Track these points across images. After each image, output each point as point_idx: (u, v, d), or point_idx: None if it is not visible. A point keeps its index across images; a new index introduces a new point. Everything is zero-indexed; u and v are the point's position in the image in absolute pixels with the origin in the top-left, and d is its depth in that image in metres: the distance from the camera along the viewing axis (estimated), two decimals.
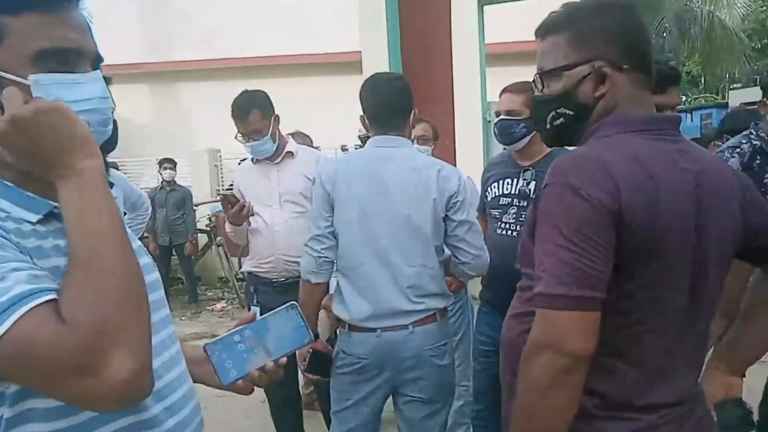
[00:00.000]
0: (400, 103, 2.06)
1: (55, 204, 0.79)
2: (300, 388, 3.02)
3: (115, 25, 9.68)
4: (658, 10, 12.12)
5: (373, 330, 1.97)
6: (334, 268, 2.08)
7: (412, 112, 2.10)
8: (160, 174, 6.94)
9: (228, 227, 2.78)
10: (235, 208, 2.61)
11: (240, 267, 5.82)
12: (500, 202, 2.41)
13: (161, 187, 6.87)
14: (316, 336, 2.05)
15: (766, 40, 17.27)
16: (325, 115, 8.38)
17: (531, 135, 2.31)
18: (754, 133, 2.12)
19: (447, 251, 2.09)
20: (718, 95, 17.60)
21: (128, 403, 0.73)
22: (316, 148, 3.73)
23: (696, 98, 18.24)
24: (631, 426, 1.06)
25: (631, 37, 1.11)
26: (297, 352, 1.91)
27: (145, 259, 0.96)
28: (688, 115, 13.04)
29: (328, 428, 2.40)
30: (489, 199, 2.47)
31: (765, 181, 2.05)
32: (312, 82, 9.59)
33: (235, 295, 7.18)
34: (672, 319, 1.06)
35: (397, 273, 1.96)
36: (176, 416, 0.91)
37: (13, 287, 0.68)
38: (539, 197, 1.05)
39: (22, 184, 0.82)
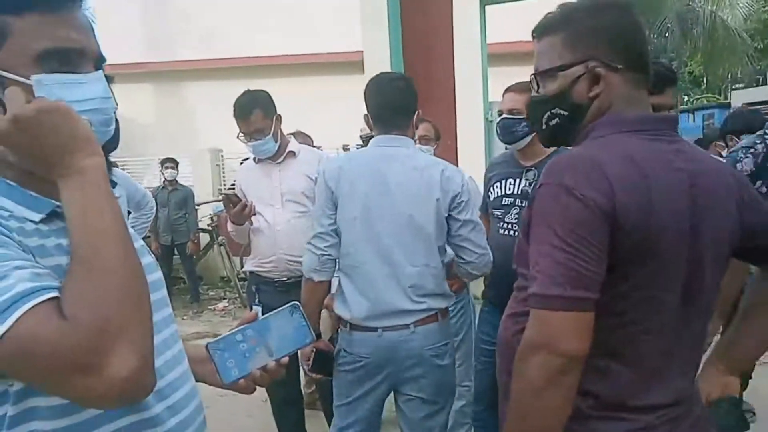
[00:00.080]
0: (403, 103, 2.07)
1: (58, 203, 0.79)
2: (302, 388, 3.02)
3: (118, 24, 9.69)
4: (660, 10, 12.10)
5: (374, 329, 1.98)
6: (337, 267, 2.08)
7: (416, 112, 2.11)
8: (162, 173, 6.95)
9: (230, 227, 2.79)
10: (237, 208, 2.61)
11: (242, 266, 5.83)
12: (503, 202, 2.41)
13: (163, 187, 6.87)
14: (319, 335, 2.05)
15: None
16: (327, 114, 8.39)
17: (533, 134, 2.31)
18: None
19: (450, 252, 2.09)
20: (720, 95, 17.59)
21: (129, 401, 0.73)
22: (318, 147, 3.73)
23: (698, 98, 18.22)
24: (626, 426, 1.05)
25: (628, 37, 1.11)
26: (300, 351, 1.91)
27: (148, 259, 0.96)
28: (691, 116, 13.03)
29: (330, 427, 2.40)
30: (491, 199, 2.47)
31: None
32: (314, 82, 9.60)
33: (237, 295, 7.19)
34: (667, 319, 1.06)
35: (399, 272, 1.96)
36: (178, 415, 0.91)
37: (16, 285, 0.68)
38: (534, 197, 1.06)
39: (25, 183, 0.82)
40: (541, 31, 1.16)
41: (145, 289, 0.76)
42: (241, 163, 3.48)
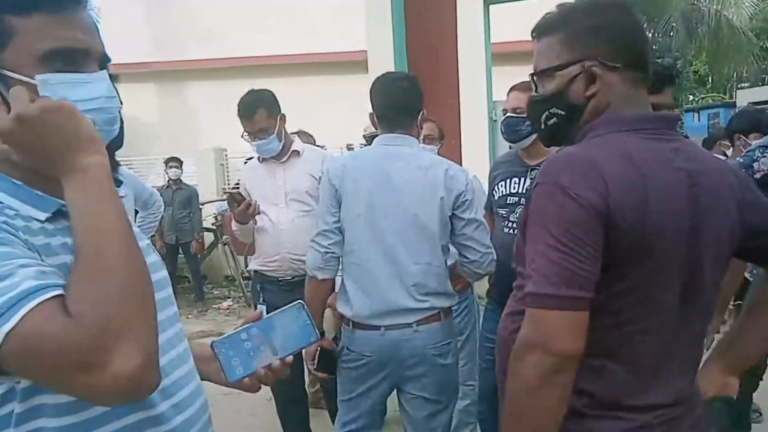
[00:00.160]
0: (408, 103, 2.07)
1: (63, 202, 0.80)
2: (306, 387, 3.03)
3: (122, 24, 9.72)
4: (665, 9, 12.06)
5: (377, 328, 1.98)
6: (340, 265, 2.08)
7: (421, 111, 2.11)
8: (166, 173, 6.97)
9: (234, 226, 2.79)
10: (241, 207, 2.62)
11: (246, 266, 5.84)
12: (507, 201, 2.41)
13: (167, 186, 6.89)
14: (322, 334, 2.06)
15: None
16: (331, 114, 8.39)
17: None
18: None
19: (453, 251, 2.09)
20: (725, 95, 17.52)
21: (134, 398, 0.74)
22: (322, 147, 3.73)
23: (703, 98, 18.15)
24: (622, 425, 1.05)
25: (627, 36, 1.11)
26: (304, 351, 1.92)
27: (153, 257, 0.96)
28: (696, 115, 12.98)
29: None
30: (496, 198, 2.47)
31: None
32: (317, 81, 9.60)
33: (242, 294, 7.20)
34: (666, 319, 1.06)
35: (402, 270, 1.96)
36: (184, 413, 0.91)
37: (21, 283, 0.69)
38: (530, 196, 1.06)
39: (31, 182, 0.83)
40: (539, 31, 1.17)
41: (150, 287, 0.76)
42: (245, 163, 3.49)
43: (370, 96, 2.11)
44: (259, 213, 2.69)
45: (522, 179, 2.38)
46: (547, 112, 1.17)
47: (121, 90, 0.91)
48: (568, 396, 1.01)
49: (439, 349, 2.00)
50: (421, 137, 2.86)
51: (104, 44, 0.87)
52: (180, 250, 7.00)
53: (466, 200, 2.00)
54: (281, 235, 2.67)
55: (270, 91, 2.71)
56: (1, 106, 0.76)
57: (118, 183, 0.87)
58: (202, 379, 1.01)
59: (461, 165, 3.40)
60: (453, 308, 2.14)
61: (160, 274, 0.96)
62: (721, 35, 12.50)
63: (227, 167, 9.00)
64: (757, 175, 2.23)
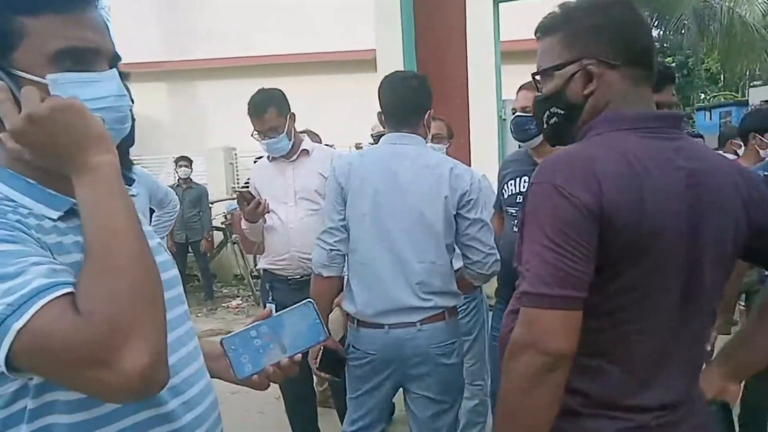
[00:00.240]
0: (416, 102, 2.07)
1: (76, 201, 0.80)
2: (314, 385, 3.03)
3: (133, 23, 9.78)
4: (676, 7, 11.95)
5: (381, 326, 1.99)
6: (346, 263, 2.09)
7: (428, 111, 2.10)
8: (176, 172, 7.01)
9: (244, 224, 2.80)
10: (251, 205, 2.63)
11: (255, 264, 5.85)
12: (517, 200, 2.40)
13: (177, 185, 6.93)
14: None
15: None
16: (340, 113, 8.40)
17: None
18: None
19: (457, 252, 2.08)
20: (737, 93, 17.35)
21: (143, 395, 0.74)
22: (330, 146, 3.74)
23: (715, 96, 18.00)
24: (618, 425, 1.04)
25: (628, 33, 1.10)
26: (309, 350, 1.92)
27: (164, 256, 0.97)
28: (707, 113, 12.87)
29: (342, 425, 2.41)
30: (505, 196, 2.47)
31: None
32: (327, 81, 9.61)
33: (251, 293, 7.23)
34: (664, 319, 1.05)
35: (407, 269, 1.96)
36: (194, 411, 0.92)
37: (33, 281, 0.69)
38: (527, 196, 1.06)
39: (44, 181, 0.84)
40: (542, 31, 1.17)
41: (159, 286, 0.77)
42: (255, 162, 3.50)
43: (378, 95, 2.11)
44: (268, 212, 2.69)
45: (531, 178, 2.37)
46: (548, 112, 1.17)
47: (131, 89, 0.91)
48: (561, 395, 1.01)
49: (443, 349, 1.99)
50: (430, 136, 2.86)
51: (114, 43, 0.88)
52: (190, 249, 7.04)
53: (471, 199, 1.99)
54: (290, 233, 2.68)
55: (280, 90, 2.72)
56: (14, 106, 0.77)
57: (130, 181, 0.87)
58: (212, 377, 1.01)
59: (470, 164, 3.39)
60: (461, 308, 2.13)
61: (171, 273, 0.97)
62: (734, 32, 12.37)
63: (237, 166, 9.03)
64: None
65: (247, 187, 2.95)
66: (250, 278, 7.10)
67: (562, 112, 1.15)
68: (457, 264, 2.11)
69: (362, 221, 2.00)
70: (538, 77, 1.19)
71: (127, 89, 0.89)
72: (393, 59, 3.90)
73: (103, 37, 0.85)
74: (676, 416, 1.07)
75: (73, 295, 0.71)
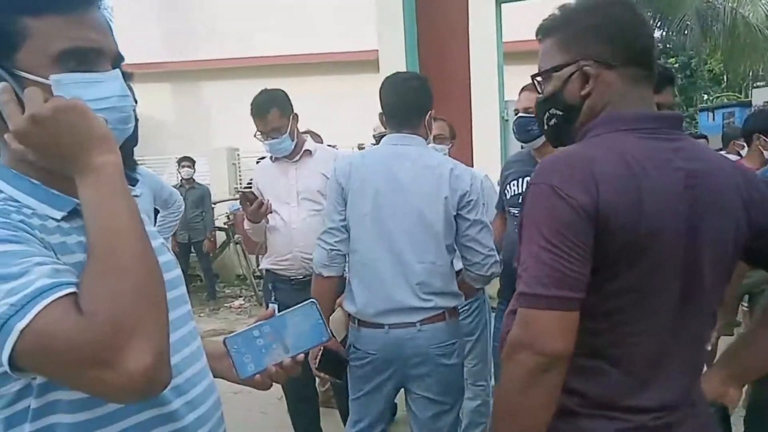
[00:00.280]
0: (416, 103, 2.08)
1: (79, 201, 0.81)
2: (317, 386, 3.04)
3: (136, 24, 9.79)
4: (679, 7, 11.92)
5: (382, 326, 1.99)
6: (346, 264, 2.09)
7: (429, 112, 2.10)
8: (179, 172, 7.02)
9: (246, 224, 2.81)
10: (253, 206, 2.64)
11: (258, 265, 5.86)
12: (519, 201, 2.40)
13: (180, 185, 6.94)
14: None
15: None
16: (342, 113, 8.41)
17: None
18: None
19: (458, 253, 2.08)
20: (740, 94, 17.30)
21: (145, 395, 0.74)
22: (333, 146, 3.74)
23: (718, 96, 17.95)
24: (616, 425, 1.04)
25: (627, 33, 1.10)
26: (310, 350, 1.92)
27: (167, 257, 0.97)
28: (710, 114, 12.84)
29: (345, 425, 2.41)
30: (508, 197, 2.47)
31: None
32: (329, 81, 9.62)
33: (253, 293, 7.24)
34: (663, 320, 1.04)
35: (407, 269, 1.97)
36: (197, 411, 0.92)
37: (36, 281, 0.69)
38: (525, 197, 1.06)
39: (48, 182, 0.84)
40: (542, 32, 1.18)
41: (162, 286, 0.77)
42: (258, 162, 3.50)
43: (379, 95, 2.11)
44: (271, 212, 2.70)
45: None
46: (547, 113, 1.18)
47: (134, 89, 0.91)
48: (557, 396, 1.01)
49: (443, 349, 1.99)
50: (431, 137, 2.86)
51: (117, 43, 0.88)
52: (192, 249, 7.05)
53: (471, 200, 1.99)
54: (293, 234, 2.68)
55: (283, 91, 2.72)
56: (17, 107, 0.77)
57: (133, 181, 0.87)
58: (215, 377, 1.01)
59: (473, 164, 3.39)
60: (464, 308, 2.13)
61: (174, 273, 0.97)
62: (737, 33, 12.34)
63: (239, 167, 9.04)
64: None
65: (250, 187, 2.96)
66: (253, 278, 7.11)
67: (561, 113, 1.16)
68: (459, 265, 2.11)
69: (363, 221, 2.00)
70: (538, 79, 1.20)
71: (131, 89, 0.89)
72: (395, 60, 3.90)
73: (106, 37, 0.85)
74: (676, 417, 1.07)
75: (76, 296, 0.71)
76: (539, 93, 1.22)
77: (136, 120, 0.91)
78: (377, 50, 4.99)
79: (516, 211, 2.42)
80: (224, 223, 7.62)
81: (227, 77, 10.09)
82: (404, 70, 3.26)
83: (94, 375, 0.69)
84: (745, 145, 3.70)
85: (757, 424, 2.52)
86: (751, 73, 15.60)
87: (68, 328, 0.68)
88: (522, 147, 2.54)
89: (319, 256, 2.06)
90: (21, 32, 0.79)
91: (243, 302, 7.20)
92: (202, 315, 6.61)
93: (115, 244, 0.74)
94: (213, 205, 7.36)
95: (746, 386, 1.61)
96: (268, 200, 2.68)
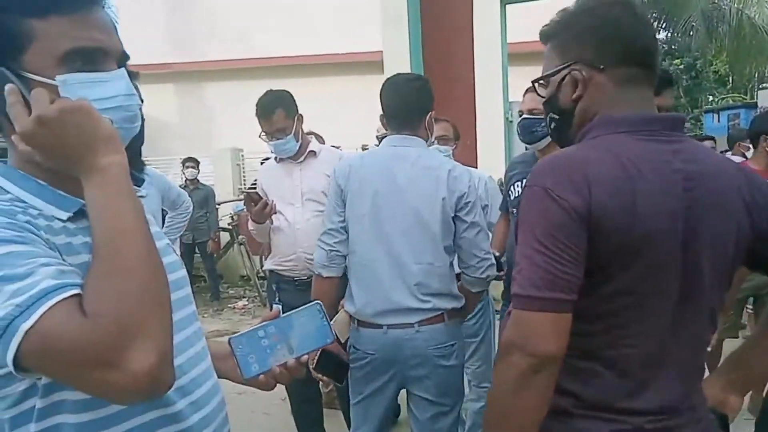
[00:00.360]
0: (417, 104, 2.08)
1: (85, 202, 0.81)
2: (320, 387, 3.04)
3: (140, 25, 9.81)
4: (684, 8, 11.88)
5: (380, 326, 1.99)
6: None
7: (429, 112, 2.10)
8: (183, 173, 7.03)
9: (251, 225, 2.81)
10: (258, 206, 2.64)
11: (261, 265, 5.87)
12: None
13: (184, 186, 6.95)
14: None
15: None
16: (347, 114, 8.42)
17: None
18: None
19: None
20: (746, 95, 17.23)
21: (149, 396, 0.75)
22: (337, 147, 3.75)
23: (723, 98, 17.88)
24: (612, 427, 1.04)
25: (623, 34, 1.09)
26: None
27: (172, 257, 0.98)
28: (716, 115, 12.78)
29: (348, 427, 2.41)
30: (512, 198, 2.46)
31: None
32: (334, 82, 9.63)
33: (257, 294, 7.25)
34: (661, 323, 1.04)
35: (405, 270, 1.97)
36: (201, 411, 0.92)
37: (41, 282, 0.70)
38: (521, 199, 1.07)
39: (55, 183, 0.84)
40: (542, 38, 1.19)
41: (166, 287, 0.77)
42: (262, 163, 3.50)
43: (380, 97, 2.12)
44: (275, 213, 2.70)
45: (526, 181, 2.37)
46: (548, 117, 1.20)
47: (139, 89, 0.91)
48: (550, 397, 1.01)
49: (442, 351, 1.99)
50: (433, 137, 2.86)
51: (122, 42, 0.88)
52: (196, 250, 7.06)
53: (468, 202, 1.99)
54: (297, 234, 2.69)
55: (288, 92, 2.73)
56: (24, 109, 0.78)
57: (139, 182, 0.87)
58: (219, 377, 1.01)
59: (477, 166, 3.38)
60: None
61: (179, 274, 0.97)
62: (743, 34, 12.28)
63: (243, 167, 9.06)
64: None
65: (255, 188, 2.96)
66: (257, 279, 7.12)
67: (557, 117, 1.17)
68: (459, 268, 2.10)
69: (361, 222, 2.01)
70: (541, 82, 1.21)
71: (136, 88, 0.89)
72: (400, 61, 3.91)
73: (111, 36, 0.86)
74: (674, 422, 1.06)
75: (80, 297, 0.71)
76: (541, 97, 1.23)
77: (143, 119, 0.91)
78: (381, 51, 5.00)
79: None
80: (228, 224, 7.63)
81: (231, 78, 10.11)
82: (408, 71, 3.26)
83: (97, 376, 0.69)
84: (750, 146, 3.67)
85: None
86: (756, 75, 15.54)
87: (72, 329, 0.68)
88: (526, 148, 2.54)
89: (318, 256, 2.08)
90: (27, 34, 0.80)
91: (247, 303, 7.21)
92: (205, 315, 6.62)
93: (120, 244, 0.74)
94: (217, 206, 7.37)
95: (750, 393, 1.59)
96: (273, 201, 2.68)
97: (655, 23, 11.92)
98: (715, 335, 2.11)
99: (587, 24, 1.11)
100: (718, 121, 12.34)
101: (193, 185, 6.97)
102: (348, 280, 2.13)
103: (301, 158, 2.74)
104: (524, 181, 2.42)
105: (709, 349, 1.25)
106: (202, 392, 0.93)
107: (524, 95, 2.43)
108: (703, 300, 1.07)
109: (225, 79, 10.29)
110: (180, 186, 6.90)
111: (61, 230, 0.82)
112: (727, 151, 5.82)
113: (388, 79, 2.14)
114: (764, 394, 1.93)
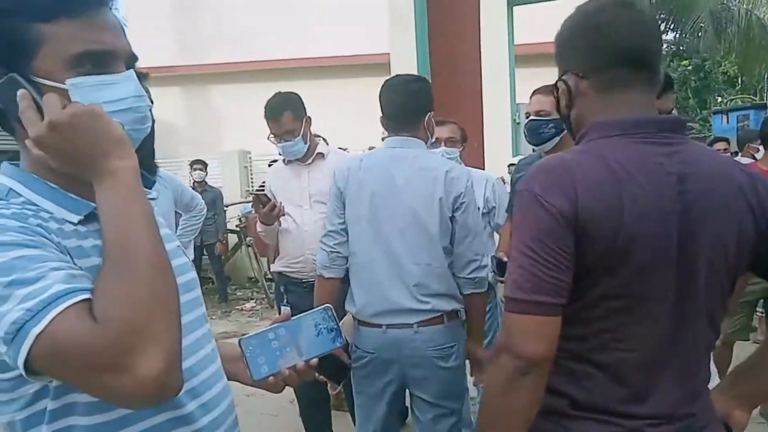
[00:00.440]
0: (415, 105, 2.08)
1: (96, 205, 0.81)
2: (328, 389, 3.04)
3: (148, 28, 9.88)
4: (693, 9, 11.82)
5: (379, 326, 2.00)
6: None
7: (429, 113, 2.10)
8: (191, 175, 7.06)
9: (259, 227, 2.82)
10: (266, 208, 2.65)
11: (269, 267, 5.89)
12: None
13: (192, 188, 6.97)
14: None
15: None
16: (354, 116, 8.42)
17: (560, 136, 2.29)
18: None
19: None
20: (755, 96, 17.13)
21: (158, 400, 0.75)
22: (344, 149, 3.75)
23: (732, 99, 17.79)
24: (607, 428, 1.04)
25: (607, 38, 1.07)
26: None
27: (182, 259, 0.98)
28: (725, 117, 12.72)
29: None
30: None
31: None
32: (341, 84, 9.65)
33: (264, 295, 7.26)
34: (658, 326, 1.03)
35: (404, 271, 1.97)
36: (211, 413, 0.92)
37: (52, 286, 0.70)
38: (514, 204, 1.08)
39: (66, 186, 0.85)
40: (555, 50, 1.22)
41: (175, 292, 0.77)
42: (270, 165, 3.51)
43: (379, 99, 2.12)
44: (283, 214, 2.71)
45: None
46: (562, 124, 1.26)
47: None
48: (539, 398, 1.02)
49: (441, 352, 1.98)
50: (443, 140, 2.86)
51: (130, 43, 0.88)
52: (204, 252, 7.08)
53: (463, 203, 1.99)
54: (305, 236, 2.69)
55: (296, 94, 2.74)
56: (36, 114, 0.78)
57: (150, 184, 0.88)
58: (229, 380, 1.02)
59: (484, 167, 3.37)
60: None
61: (189, 276, 0.98)
62: (752, 35, 12.21)
63: (251, 169, 9.09)
64: None
65: (263, 189, 2.97)
66: (264, 281, 7.13)
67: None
68: None
69: (360, 224, 2.02)
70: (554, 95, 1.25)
71: (146, 90, 0.89)
72: (407, 63, 3.91)
73: (119, 38, 0.86)
74: (673, 427, 1.04)
75: (90, 302, 0.72)
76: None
77: (153, 120, 0.92)
78: (388, 53, 5.01)
79: None
80: (236, 226, 7.65)
81: (238, 80, 10.15)
82: (415, 72, 3.26)
83: (106, 380, 0.69)
84: (760, 147, 3.65)
85: None
86: (766, 76, 15.45)
87: (82, 333, 0.69)
88: (533, 150, 2.53)
89: (320, 258, 2.10)
90: (36, 39, 0.80)
91: (254, 305, 7.22)
92: (213, 317, 6.64)
93: (130, 248, 0.75)
94: (225, 208, 7.40)
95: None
96: (281, 203, 2.69)
97: (663, 24, 11.87)
98: (719, 339, 2.09)
99: (571, 33, 1.13)
100: (727, 122, 12.27)
101: (201, 187, 6.99)
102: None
103: (309, 160, 2.74)
104: None
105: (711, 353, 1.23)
106: (212, 394, 0.93)
107: (531, 97, 2.43)
108: (703, 303, 1.05)
109: (232, 82, 10.33)
110: None
111: (72, 233, 0.82)
112: (736, 152, 5.78)
113: (386, 80, 2.15)
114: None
